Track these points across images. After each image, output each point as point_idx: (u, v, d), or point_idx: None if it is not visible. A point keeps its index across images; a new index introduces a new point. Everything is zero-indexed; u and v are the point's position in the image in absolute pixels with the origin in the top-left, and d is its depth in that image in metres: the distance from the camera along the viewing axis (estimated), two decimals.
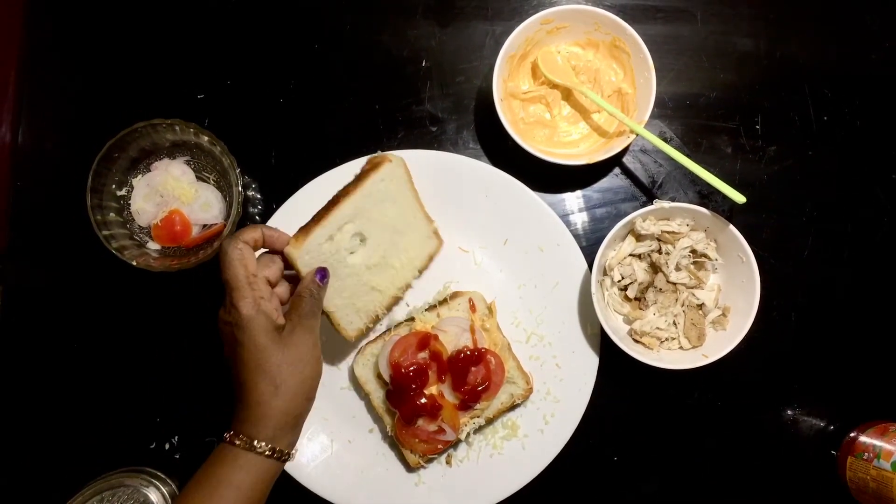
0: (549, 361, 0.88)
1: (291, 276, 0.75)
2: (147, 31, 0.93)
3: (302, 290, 0.72)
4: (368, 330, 0.84)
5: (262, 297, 0.68)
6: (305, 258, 0.74)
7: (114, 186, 0.87)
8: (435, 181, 0.88)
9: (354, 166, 0.87)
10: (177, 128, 0.85)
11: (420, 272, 0.86)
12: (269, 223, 0.87)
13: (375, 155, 0.82)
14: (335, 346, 0.88)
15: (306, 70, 0.93)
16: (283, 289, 0.74)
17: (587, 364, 0.86)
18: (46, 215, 0.91)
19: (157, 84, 0.93)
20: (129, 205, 0.89)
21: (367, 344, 0.86)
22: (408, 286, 0.85)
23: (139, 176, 0.89)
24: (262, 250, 0.74)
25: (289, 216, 0.87)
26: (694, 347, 0.85)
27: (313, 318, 0.71)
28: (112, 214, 0.86)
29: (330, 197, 0.78)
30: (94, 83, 0.93)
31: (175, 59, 0.93)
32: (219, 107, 0.92)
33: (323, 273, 0.73)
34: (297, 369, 0.68)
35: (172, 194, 0.87)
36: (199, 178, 0.90)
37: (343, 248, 0.78)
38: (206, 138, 0.85)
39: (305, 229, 0.75)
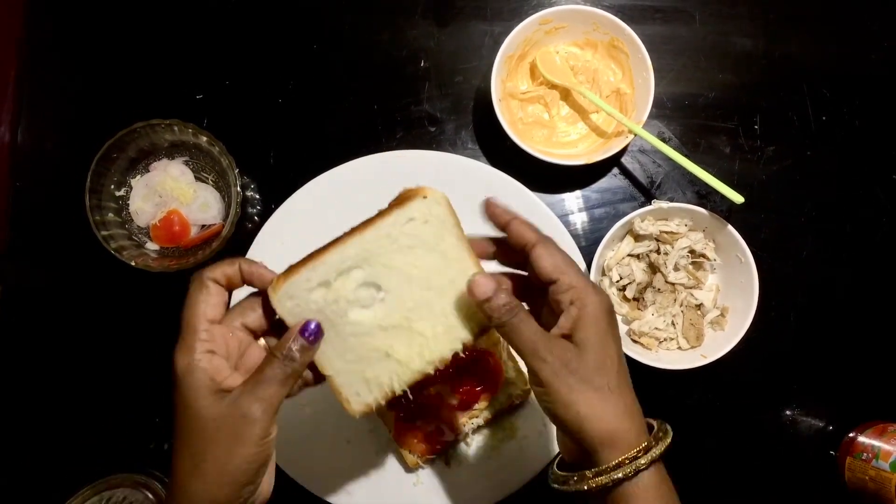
0: None
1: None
2: (146, 31, 0.94)
3: (275, 348, 0.55)
4: (380, 407, 0.63)
5: (210, 351, 0.54)
6: (287, 304, 0.57)
7: (112, 187, 0.87)
8: (433, 181, 0.87)
9: (354, 166, 0.87)
10: (175, 128, 0.86)
11: (465, 344, 0.61)
12: (268, 224, 0.87)
13: (408, 188, 0.61)
14: None
15: (305, 70, 0.93)
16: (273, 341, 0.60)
17: None
18: (46, 215, 0.91)
19: (155, 84, 0.93)
20: (128, 205, 0.89)
21: None
22: (443, 361, 0.61)
23: (138, 176, 0.89)
24: (253, 290, 0.59)
25: (288, 216, 0.87)
26: (692, 348, 0.85)
27: (275, 387, 0.54)
28: (111, 215, 0.87)
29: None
30: (94, 83, 0.93)
31: (174, 60, 0.93)
32: (217, 107, 0.92)
33: (314, 331, 0.56)
34: (226, 449, 0.52)
35: (171, 195, 0.88)
36: (197, 179, 0.90)
37: (344, 298, 0.59)
38: (204, 138, 0.85)
39: (291, 268, 0.58)
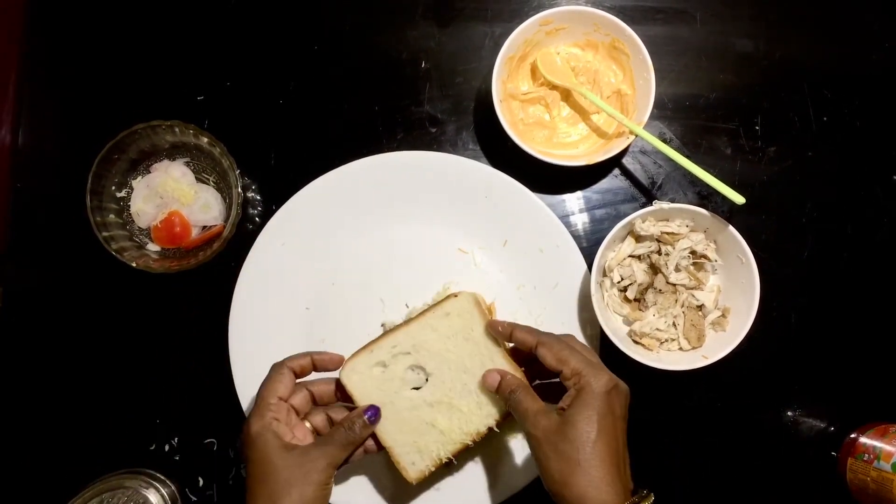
0: None
1: (349, 407, 0.76)
2: (147, 32, 0.94)
3: (343, 420, 0.72)
4: (432, 474, 0.76)
5: (275, 419, 0.69)
6: (354, 378, 0.74)
7: (113, 188, 0.87)
8: (434, 182, 0.88)
9: (354, 167, 0.87)
10: (176, 129, 0.86)
11: (498, 422, 0.75)
12: (269, 225, 0.87)
13: (450, 293, 0.79)
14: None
15: (306, 71, 0.93)
16: (319, 419, 0.74)
17: None
18: (46, 216, 0.91)
19: (156, 85, 0.93)
20: (129, 206, 0.89)
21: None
22: (479, 435, 0.75)
23: (139, 177, 0.89)
24: (316, 375, 0.76)
25: (289, 217, 0.87)
26: (694, 348, 0.85)
27: (338, 448, 0.70)
28: (112, 216, 0.87)
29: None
30: (94, 84, 0.93)
31: (175, 61, 0.93)
32: (218, 108, 0.92)
33: (373, 415, 0.72)
34: (299, 488, 0.66)
35: (172, 196, 0.88)
36: (198, 180, 0.90)
37: (398, 377, 0.75)
38: (205, 140, 0.85)
39: (355, 354, 0.75)
